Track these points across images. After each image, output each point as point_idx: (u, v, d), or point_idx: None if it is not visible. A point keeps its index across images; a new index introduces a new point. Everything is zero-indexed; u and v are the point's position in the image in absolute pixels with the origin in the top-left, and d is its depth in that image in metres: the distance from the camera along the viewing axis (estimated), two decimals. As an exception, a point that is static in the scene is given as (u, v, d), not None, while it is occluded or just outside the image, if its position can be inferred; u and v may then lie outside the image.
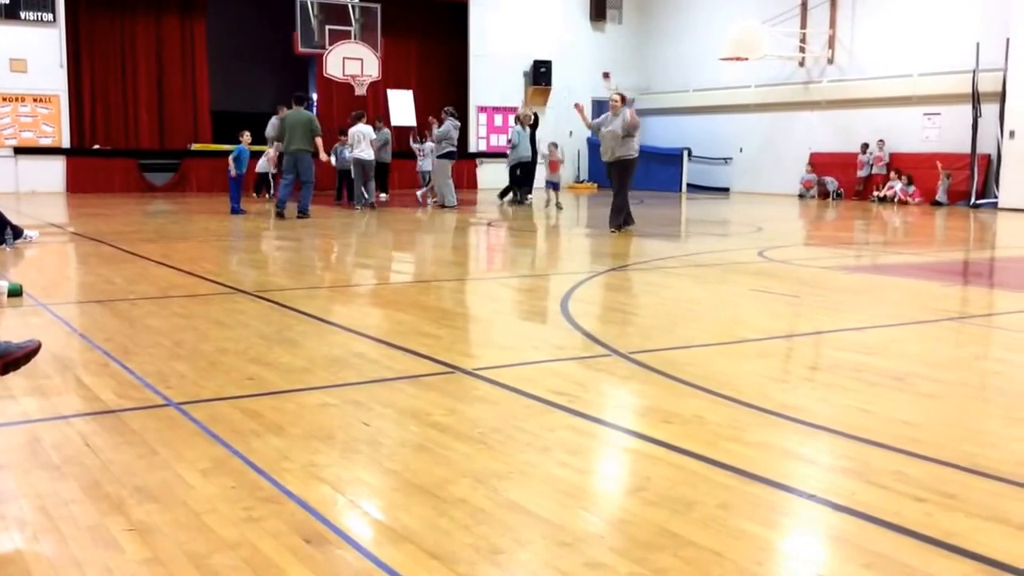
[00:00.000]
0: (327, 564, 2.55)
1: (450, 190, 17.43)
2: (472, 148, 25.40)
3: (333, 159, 17.77)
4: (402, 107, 23.34)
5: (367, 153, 16.45)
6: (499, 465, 3.35)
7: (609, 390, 4.59)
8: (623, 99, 12.68)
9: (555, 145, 19.10)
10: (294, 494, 3.04)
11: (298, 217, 14.49)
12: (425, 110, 24.12)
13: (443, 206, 17.21)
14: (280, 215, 14.44)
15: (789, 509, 3.03)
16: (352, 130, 16.67)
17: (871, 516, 2.89)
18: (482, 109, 25.61)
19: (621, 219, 12.66)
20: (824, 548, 2.77)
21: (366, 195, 16.73)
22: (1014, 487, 3.17)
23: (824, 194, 22.51)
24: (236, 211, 15.31)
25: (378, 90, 23.23)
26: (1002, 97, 18.69)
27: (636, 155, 12.56)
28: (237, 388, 4.41)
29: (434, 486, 3.12)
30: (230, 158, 15.52)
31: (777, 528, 2.88)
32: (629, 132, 12.23)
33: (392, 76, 23.82)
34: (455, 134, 17.24)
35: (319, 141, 15.01)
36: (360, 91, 22.09)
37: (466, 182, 24.88)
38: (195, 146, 22.42)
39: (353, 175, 17.02)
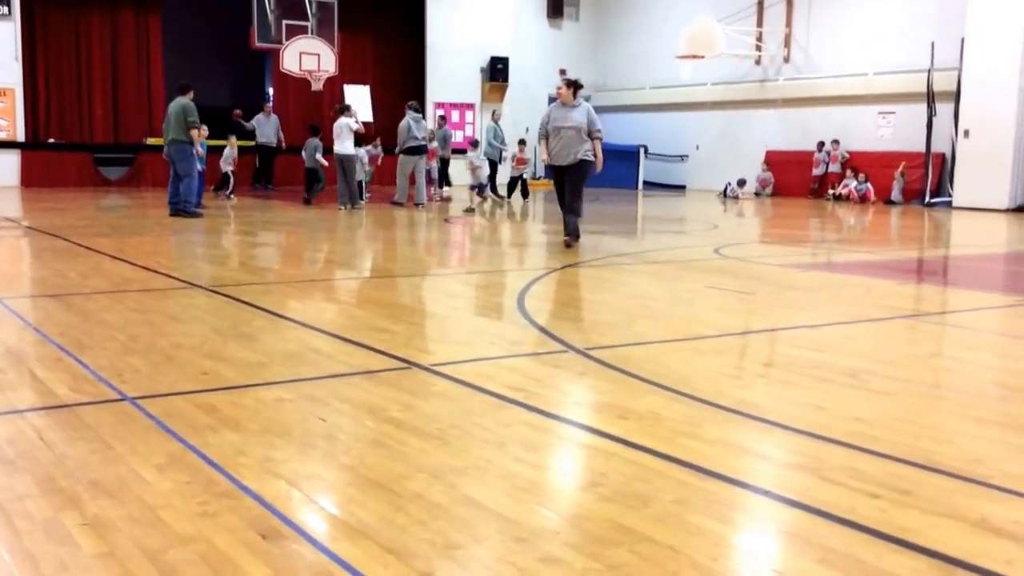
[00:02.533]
0: (283, 559, 2.53)
1: (403, 188, 16.79)
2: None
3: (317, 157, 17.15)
4: (359, 103, 23.21)
5: (347, 148, 15.80)
6: (455, 460, 3.35)
7: (565, 386, 4.60)
8: (575, 86, 10.63)
9: (523, 143, 18.98)
10: (250, 489, 3.02)
11: (175, 215, 13.58)
12: (382, 106, 24.03)
13: (395, 203, 16.73)
14: (174, 213, 13.66)
15: (744, 505, 3.05)
16: (334, 124, 16.02)
17: (825, 512, 2.92)
18: (439, 105, 25.51)
19: (574, 230, 10.78)
20: (778, 544, 2.79)
21: (348, 194, 15.86)
22: (968, 484, 3.22)
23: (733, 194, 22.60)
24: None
25: (335, 85, 23.10)
26: (956, 96, 18.96)
27: (590, 157, 10.59)
28: (192, 383, 4.37)
29: (390, 481, 3.12)
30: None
31: (732, 524, 2.90)
32: (592, 128, 10.46)
33: (349, 71, 23.69)
34: (417, 130, 16.62)
35: (194, 133, 13.64)
36: (316, 86, 21.95)
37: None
38: (150, 140, 22.12)
39: (340, 173, 16.02)
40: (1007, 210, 18.07)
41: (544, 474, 3.34)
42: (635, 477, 3.22)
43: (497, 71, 25.66)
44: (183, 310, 6.38)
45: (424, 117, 18.82)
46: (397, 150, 16.84)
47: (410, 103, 17.28)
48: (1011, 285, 9.19)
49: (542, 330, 5.87)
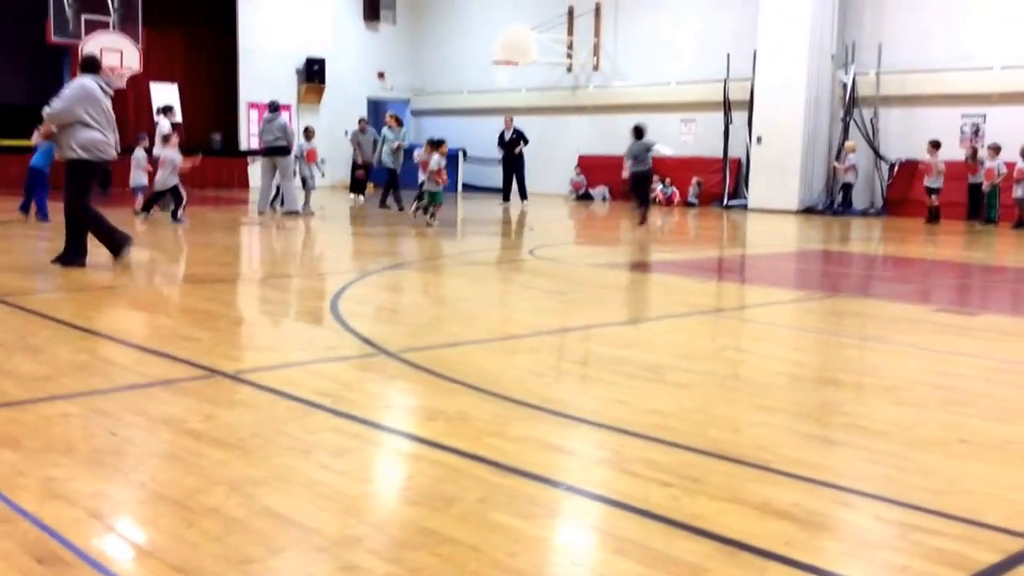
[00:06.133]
0: (60, 585, 2.38)
1: (264, 194, 15.62)
2: (243, 146, 24.66)
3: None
4: (167, 102, 22.34)
5: (174, 152, 14.36)
6: (256, 471, 3.24)
7: (375, 390, 4.55)
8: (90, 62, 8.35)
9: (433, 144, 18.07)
10: (28, 512, 2.82)
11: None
12: (192, 105, 23.22)
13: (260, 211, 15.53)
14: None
15: (545, 500, 3.09)
16: (160, 125, 14.94)
17: (622, 503, 3.00)
18: (253, 105, 24.86)
19: (117, 241, 8.55)
20: (577, 536, 2.84)
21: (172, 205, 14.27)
22: (753, 469, 3.37)
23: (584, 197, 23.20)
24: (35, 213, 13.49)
25: (140, 84, 22.14)
26: (750, 105, 20.02)
27: (80, 156, 7.98)
28: (-31, 400, 4.06)
29: (184, 496, 2.98)
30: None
31: (533, 519, 2.93)
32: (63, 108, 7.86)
33: (156, 68, 22.78)
34: (267, 131, 15.34)
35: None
36: (120, 84, 20.93)
37: (236, 181, 24.11)
38: (-69, 141, 20.60)
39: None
40: (796, 211, 19.17)
41: (349, 480, 3.27)
42: (441, 478, 3.21)
43: (314, 72, 25.26)
44: (-36, 322, 5.95)
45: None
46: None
47: (270, 102, 16.25)
48: (799, 281, 9.73)
49: (355, 334, 5.78)
